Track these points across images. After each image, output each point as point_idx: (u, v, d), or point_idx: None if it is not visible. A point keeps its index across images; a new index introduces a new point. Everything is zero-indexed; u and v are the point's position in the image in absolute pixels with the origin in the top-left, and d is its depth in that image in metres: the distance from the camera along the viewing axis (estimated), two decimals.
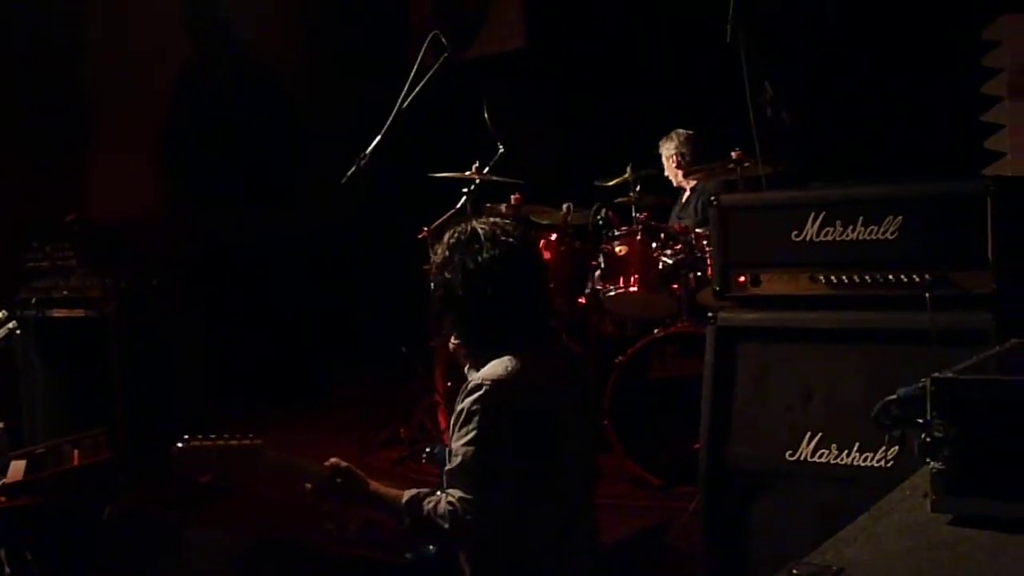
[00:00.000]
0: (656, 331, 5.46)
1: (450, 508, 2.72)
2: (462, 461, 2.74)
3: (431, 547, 2.97)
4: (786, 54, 5.61)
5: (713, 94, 6.46)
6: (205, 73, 8.44)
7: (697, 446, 4.26)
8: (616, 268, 5.58)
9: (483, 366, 2.84)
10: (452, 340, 3.05)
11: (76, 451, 4.93)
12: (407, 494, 2.82)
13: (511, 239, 2.91)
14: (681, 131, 6.38)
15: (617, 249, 5.60)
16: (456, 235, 2.93)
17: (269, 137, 8.32)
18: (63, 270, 6.12)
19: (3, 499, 4.65)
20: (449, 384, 6.21)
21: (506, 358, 2.80)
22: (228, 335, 7.03)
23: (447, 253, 2.92)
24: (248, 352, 7.42)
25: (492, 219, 2.95)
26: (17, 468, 4.82)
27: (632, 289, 5.53)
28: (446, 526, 2.71)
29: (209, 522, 5.38)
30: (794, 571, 1.62)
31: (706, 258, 5.41)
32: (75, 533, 4.86)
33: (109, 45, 7.63)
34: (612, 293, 5.58)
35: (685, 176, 6.23)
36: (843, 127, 6.41)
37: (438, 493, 2.79)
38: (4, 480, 4.79)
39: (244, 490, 5.53)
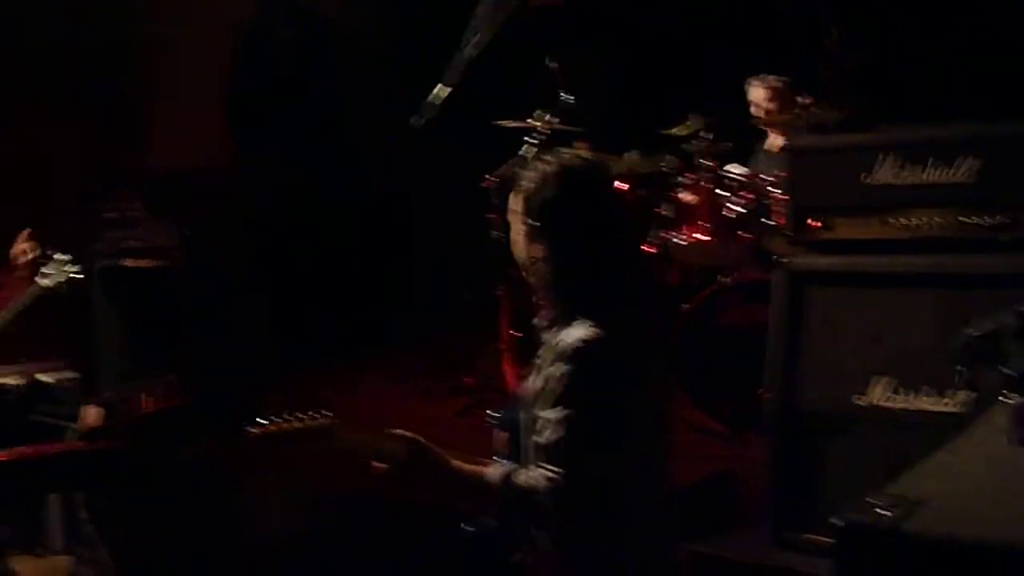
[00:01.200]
0: (723, 278, 5.42)
1: (550, 484, 2.52)
2: (555, 434, 2.54)
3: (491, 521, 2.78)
4: None
5: (777, 37, 6.41)
6: (270, 27, 8.46)
7: (763, 392, 4.27)
8: (683, 216, 5.54)
9: (564, 325, 2.65)
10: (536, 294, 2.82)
11: (149, 397, 5.02)
12: (495, 472, 2.64)
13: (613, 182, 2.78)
14: (771, 77, 6.24)
15: (684, 197, 5.55)
16: (557, 170, 2.70)
17: (332, 90, 8.34)
18: (132, 220, 6.22)
19: (81, 444, 4.75)
20: (515, 333, 6.22)
21: (591, 321, 2.59)
22: (291, 285, 7.11)
23: (551, 186, 2.69)
24: (311, 301, 7.48)
25: (591, 155, 2.79)
26: (93, 414, 4.92)
27: (700, 236, 5.49)
28: (548, 501, 2.52)
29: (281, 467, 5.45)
30: (870, 501, 1.61)
31: (776, 206, 5.36)
32: (148, 477, 4.95)
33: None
34: (679, 241, 5.53)
35: (761, 125, 6.14)
36: (914, 67, 6.27)
37: (530, 468, 2.61)
38: (81, 426, 4.90)
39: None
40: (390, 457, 2.70)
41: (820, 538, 3.63)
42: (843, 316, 3.70)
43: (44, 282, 5.40)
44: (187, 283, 5.85)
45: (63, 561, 6.26)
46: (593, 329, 2.58)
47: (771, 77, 6.17)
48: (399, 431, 2.75)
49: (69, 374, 6.51)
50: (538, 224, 2.71)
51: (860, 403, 3.63)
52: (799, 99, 5.24)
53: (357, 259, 7.97)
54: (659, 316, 4.60)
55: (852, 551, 1.59)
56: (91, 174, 6.55)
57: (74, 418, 5.29)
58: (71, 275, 5.38)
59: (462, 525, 2.85)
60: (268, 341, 6.15)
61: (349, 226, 8.04)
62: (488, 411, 3.03)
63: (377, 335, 7.67)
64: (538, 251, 2.72)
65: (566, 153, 2.78)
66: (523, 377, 5.96)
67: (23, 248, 5.53)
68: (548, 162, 2.74)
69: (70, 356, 6.68)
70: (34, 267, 5.45)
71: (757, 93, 6.20)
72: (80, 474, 4.76)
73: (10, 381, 6.19)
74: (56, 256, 5.43)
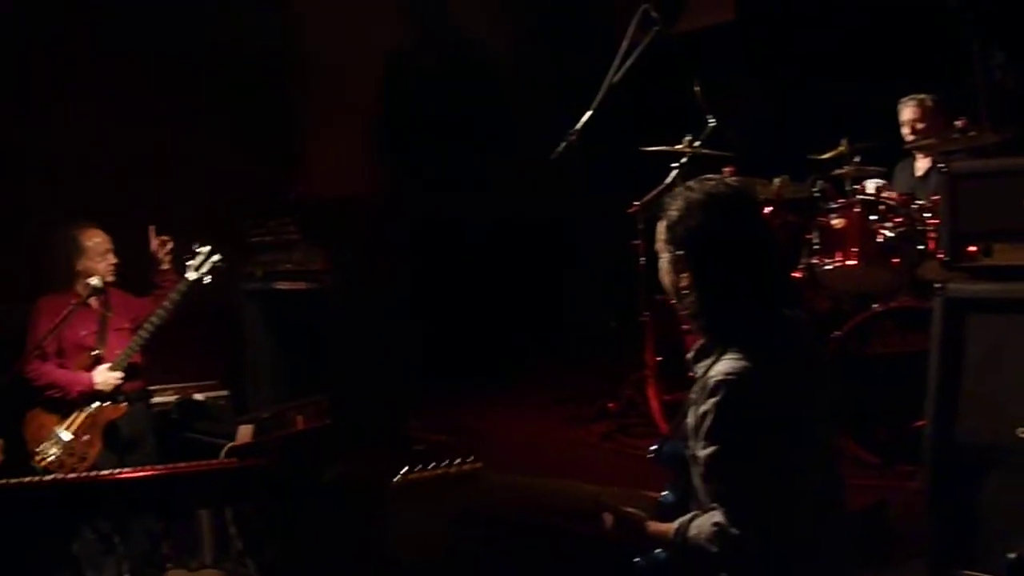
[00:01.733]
0: (875, 306, 5.29)
1: (715, 528, 2.51)
2: (716, 473, 2.54)
3: (659, 551, 2.76)
4: (1017, 15, 5.34)
5: (932, 61, 6.25)
6: (416, 53, 8.60)
7: (919, 423, 4.15)
8: (833, 241, 5.42)
9: (715, 357, 2.61)
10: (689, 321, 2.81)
11: (300, 416, 5.13)
12: (675, 525, 2.64)
13: (760, 207, 2.73)
14: (923, 96, 6.07)
15: (834, 222, 5.44)
16: (703, 196, 2.66)
17: (477, 115, 8.43)
18: (286, 244, 6.38)
19: (233, 460, 4.88)
20: (659, 359, 6.19)
21: (741, 353, 2.55)
22: (439, 311, 7.19)
23: (696, 213, 2.64)
24: (459, 327, 7.55)
25: (735, 181, 2.74)
26: (245, 432, 5.05)
27: (850, 263, 5.37)
28: (714, 549, 2.51)
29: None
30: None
31: (928, 231, 5.23)
32: (296, 495, 5.04)
33: (324, 28, 7.86)
34: (829, 267, 5.42)
35: (909, 147, 5.99)
36: None
37: (701, 516, 2.60)
38: (234, 443, 5.03)
39: (465, 452, 5.67)
40: (560, 504, 2.89)
41: (980, 574, 3.51)
42: (1006, 345, 3.57)
43: (191, 275, 5.66)
44: (338, 307, 5.97)
45: (214, 574, 6.44)
46: (740, 361, 2.53)
47: (923, 96, 6.03)
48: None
49: (221, 392, 6.73)
50: (683, 253, 2.68)
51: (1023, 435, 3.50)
52: (956, 123, 5.11)
53: (504, 285, 8.03)
54: (820, 344, 4.49)
55: None
56: (249, 201, 6.75)
57: (227, 435, 5.45)
58: (215, 264, 5.68)
59: (635, 560, 2.82)
60: (417, 365, 6.21)
61: (496, 252, 8.09)
62: (652, 447, 2.97)
63: (523, 361, 7.70)
64: (685, 280, 2.70)
65: (711, 179, 2.72)
66: (667, 403, 5.96)
67: (158, 242, 5.78)
68: (692, 189, 2.70)
69: (222, 375, 6.90)
70: (175, 259, 5.73)
71: (908, 112, 6.07)
72: (232, 490, 4.86)
73: (167, 399, 6.42)
74: (198, 248, 5.67)
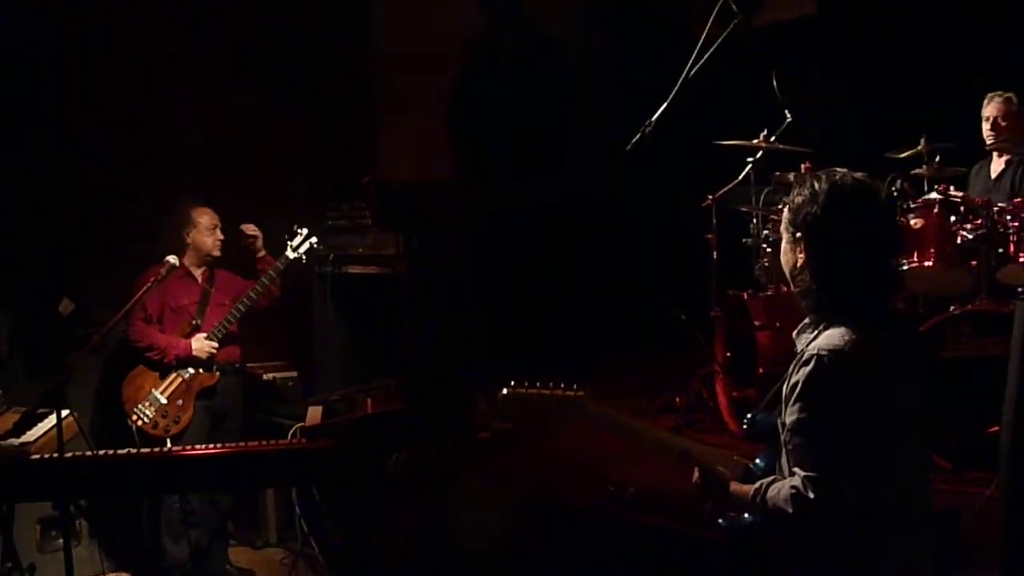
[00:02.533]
0: (952, 308, 5.21)
1: (792, 491, 2.60)
2: (800, 438, 2.63)
3: (747, 515, 2.86)
4: None
5: (1016, 61, 6.13)
6: (492, 42, 8.61)
7: (994, 429, 4.08)
8: (910, 241, 5.34)
9: (819, 333, 2.72)
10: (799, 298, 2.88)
11: (369, 399, 5.17)
12: (755, 485, 2.76)
13: (881, 201, 2.79)
14: (1009, 94, 5.94)
15: (912, 222, 5.36)
16: (832, 185, 2.75)
17: (552, 105, 8.42)
18: (360, 228, 6.42)
19: (302, 441, 4.92)
20: (728, 355, 6.15)
21: (843, 329, 2.66)
22: (510, 299, 7.20)
23: (822, 200, 2.74)
24: (529, 316, 7.55)
25: (861, 176, 2.77)
26: (315, 413, 5.10)
27: (927, 264, 5.29)
28: (790, 510, 2.60)
29: (488, 476, 5.52)
30: None
31: (1009, 233, 5.14)
32: (362, 477, 5.08)
33: (401, 15, 7.90)
34: (905, 267, 5.35)
35: (991, 148, 5.89)
36: None
37: (781, 480, 2.70)
38: (303, 424, 5.08)
39: (537, 444, 5.68)
40: (644, 441, 3.00)
41: None
42: None
43: (290, 254, 6.03)
44: (410, 292, 6.00)
45: (278, 554, 6.53)
46: (843, 338, 2.64)
47: (1009, 94, 5.92)
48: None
49: (291, 374, 6.80)
50: (802, 236, 2.78)
51: None
52: None
53: (574, 275, 8.02)
54: (922, 342, 4.50)
55: None
56: (325, 185, 6.82)
57: (296, 416, 5.52)
58: (312, 245, 6.08)
59: (719, 520, 2.94)
60: (486, 354, 6.22)
61: (568, 242, 8.09)
62: (747, 415, 3.07)
63: (591, 351, 7.68)
64: (801, 262, 2.80)
65: (837, 171, 2.80)
66: (735, 400, 5.92)
67: (247, 235, 6.01)
68: (819, 178, 2.79)
69: (292, 357, 6.97)
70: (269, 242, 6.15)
71: (992, 108, 5.95)
72: (299, 471, 4.91)
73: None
74: (299, 229, 6.06)
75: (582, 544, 4.81)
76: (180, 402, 5.81)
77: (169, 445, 5.43)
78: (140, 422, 5.72)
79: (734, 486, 2.84)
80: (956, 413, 4.97)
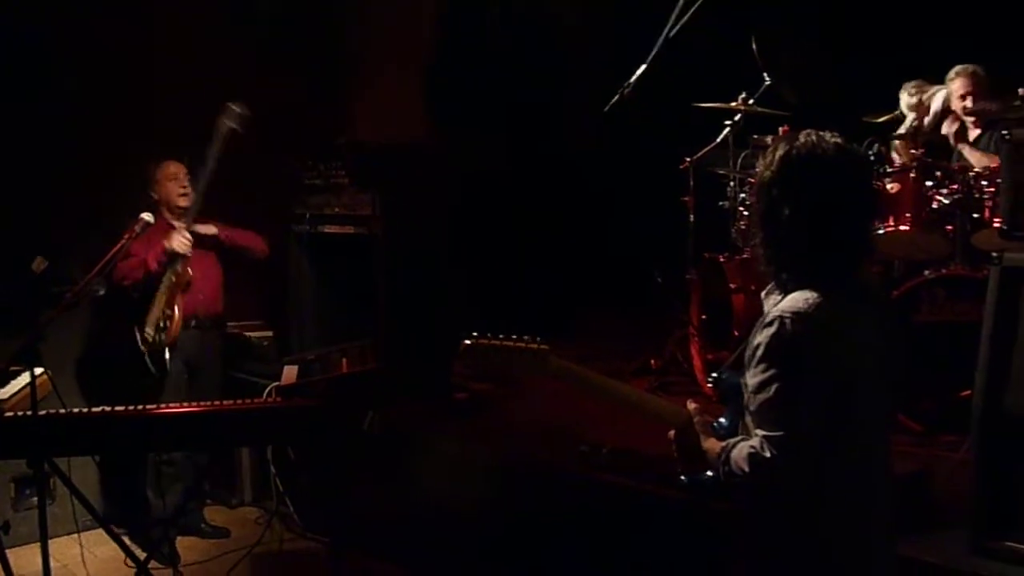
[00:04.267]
0: (927, 272, 5.23)
1: (751, 450, 2.61)
2: (760, 398, 2.63)
3: (708, 472, 2.87)
4: None
5: (996, 25, 6.13)
6: (472, 2, 8.55)
7: (966, 393, 4.11)
8: (886, 206, 5.36)
9: (782, 295, 2.72)
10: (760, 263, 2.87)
11: (345, 359, 5.17)
12: (724, 444, 2.76)
13: (857, 163, 2.77)
14: (969, 66, 6.00)
15: (889, 186, 5.37)
16: (799, 150, 2.71)
17: (530, 66, 8.38)
18: (335, 188, 6.39)
19: (277, 400, 4.92)
20: (704, 317, 6.17)
21: (808, 292, 2.65)
22: (482, 260, 7.19)
23: (786, 168, 2.71)
24: (505, 277, 7.55)
25: (836, 138, 2.72)
26: (290, 372, 5.10)
27: (903, 228, 5.30)
28: (747, 469, 2.61)
29: (463, 437, 5.54)
30: None
31: (984, 199, 5.15)
32: (337, 436, 5.09)
33: None
34: (881, 232, 5.36)
35: (966, 114, 5.90)
36: None
37: (747, 439, 2.70)
38: (278, 383, 5.08)
39: (506, 403, 5.69)
40: (605, 394, 3.00)
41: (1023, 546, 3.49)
42: None
43: (229, 123, 5.78)
44: (385, 252, 5.98)
45: (253, 512, 6.55)
46: (803, 299, 2.63)
47: (974, 68, 5.93)
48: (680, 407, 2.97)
49: (267, 333, 6.78)
50: (770, 201, 2.75)
51: None
52: (1020, 91, 5.02)
53: (551, 237, 8.02)
54: (893, 307, 4.54)
55: None
56: (301, 145, 6.78)
57: (272, 376, 5.51)
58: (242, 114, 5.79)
59: (680, 477, 2.97)
60: (462, 314, 6.23)
61: (545, 204, 8.08)
62: (712, 374, 3.11)
63: (568, 313, 7.70)
64: (768, 227, 2.77)
65: (812, 134, 2.75)
66: (710, 362, 5.94)
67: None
68: (792, 142, 2.75)
69: (268, 316, 6.95)
70: None
71: (958, 84, 5.97)
72: (275, 430, 4.91)
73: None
74: (232, 106, 5.80)
75: (555, 504, 4.83)
76: (169, 311, 5.79)
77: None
78: (146, 343, 5.77)
79: (707, 443, 2.85)
80: (929, 377, 5.01)
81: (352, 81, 7.80)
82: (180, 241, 5.79)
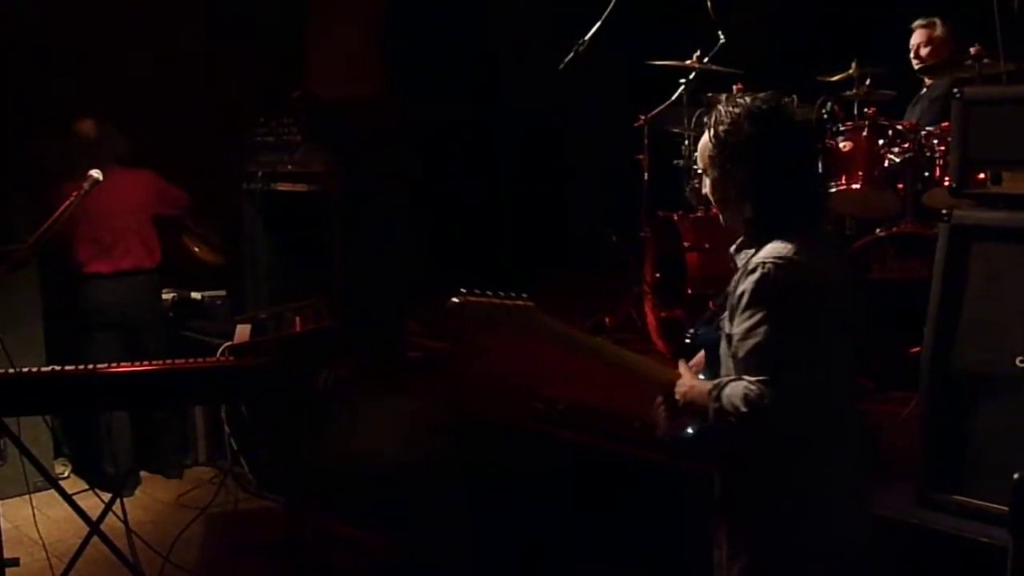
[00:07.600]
0: (878, 230, 5.28)
1: (747, 392, 2.60)
2: (750, 343, 2.64)
3: (688, 430, 2.88)
4: None
5: None
6: None
7: (915, 350, 4.16)
8: (839, 164, 5.39)
9: (758, 249, 2.75)
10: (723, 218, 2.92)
11: (298, 318, 5.12)
12: (714, 382, 2.74)
13: (802, 121, 2.85)
14: (935, 21, 6.02)
15: (841, 145, 5.41)
16: (753, 109, 2.76)
17: (484, 20, 8.32)
18: (288, 145, 6.32)
19: (230, 359, 4.87)
20: (657, 275, 6.19)
21: (785, 242, 2.69)
22: (441, 217, 7.16)
23: (747, 126, 2.75)
24: (460, 234, 7.52)
25: (776, 98, 2.80)
26: (243, 331, 5.04)
27: (855, 186, 5.35)
28: (742, 407, 2.59)
29: (418, 395, 5.53)
30: None
31: (936, 158, 5.20)
32: (290, 395, 5.06)
33: None
34: (833, 189, 5.40)
35: (918, 72, 5.93)
36: None
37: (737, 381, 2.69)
38: (231, 342, 5.03)
39: (461, 361, 5.68)
40: (591, 351, 2.99)
41: (969, 499, 3.55)
42: (1009, 274, 3.55)
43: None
44: (339, 209, 5.94)
45: (208, 472, 6.52)
46: (783, 247, 2.69)
47: (934, 20, 5.96)
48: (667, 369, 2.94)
49: (219, 292, 6.73)
50: (736, 160, 2.78)
51: (1022, 364, 3.51)
52: (971, 50, 5.05)
53: (505, 195, 8.00)
54: (852, 261, 4.66)
55: None
56: (252, 101, 6.70)
57: (224, 335, 5.46)
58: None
59: (660, 436, 2.98)
60: (417, 272, 6.21)
61: (499, 161, 8.06)
62: (689, 330, 3.11)
63: (523, 271, 7.68)
64: (734, 187, 2.81)
65: (756, 95, 2.81)
66: (664, 320, 5.97)
67: None
68: (739, 104, 2.79)
69: (220, 275, 6.89)
70: None
71: (916, 36, 6.00)
72: (228, 389, 4.87)
73: (164, 297, 6.43)
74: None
75: (508, 460, 4.85)
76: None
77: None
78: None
79: (695, 382, 2.85)
80: (879, 334, 5.06)
81: (306, 35, 7.71)
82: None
